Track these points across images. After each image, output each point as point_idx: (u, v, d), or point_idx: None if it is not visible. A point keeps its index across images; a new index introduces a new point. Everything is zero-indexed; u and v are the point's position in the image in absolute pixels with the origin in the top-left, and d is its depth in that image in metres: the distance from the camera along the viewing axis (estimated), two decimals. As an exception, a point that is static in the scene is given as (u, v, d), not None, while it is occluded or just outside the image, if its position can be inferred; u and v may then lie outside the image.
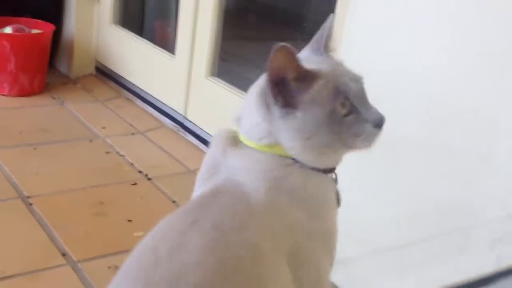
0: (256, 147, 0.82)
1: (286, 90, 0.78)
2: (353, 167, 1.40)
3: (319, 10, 3.78)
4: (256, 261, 0.74)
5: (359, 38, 1.40)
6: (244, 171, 0.80)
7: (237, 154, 0.82)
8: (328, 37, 0.88)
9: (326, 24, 0.89)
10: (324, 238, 0.81)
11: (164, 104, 2.37)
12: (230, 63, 2.81)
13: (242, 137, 0.84)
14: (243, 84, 2.17)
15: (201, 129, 2.17)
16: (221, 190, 0.79)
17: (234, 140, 0.84)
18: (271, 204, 0.77)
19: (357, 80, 0.83)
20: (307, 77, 0.79)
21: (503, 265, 1.07)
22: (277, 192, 0.78)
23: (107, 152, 2.06)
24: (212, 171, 0.83)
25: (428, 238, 1.21)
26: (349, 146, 0.81)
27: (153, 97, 2.44)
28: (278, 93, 0.79)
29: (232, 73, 2.56)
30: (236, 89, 2.09)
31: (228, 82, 2.15)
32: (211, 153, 0.86)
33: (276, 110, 0.79)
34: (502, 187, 1.15)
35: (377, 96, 1.34)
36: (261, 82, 0.83)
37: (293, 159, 0.81)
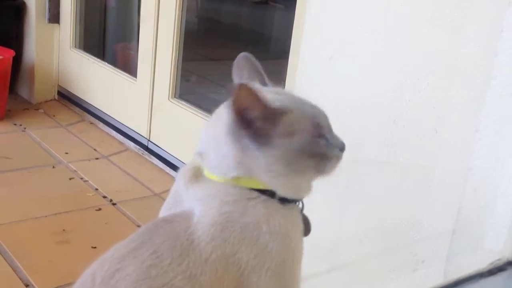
0: (220, 181, 0.81)
1: (255, 126, 0.78)
2: (316, 187, 1.43)
3: (280, 29, 3.83)
4: None
5: (313, 61, 1.43)
6: (201, 202, 0.80)
7: (198, 187, 0.82)
8: (260, 71, 0.89)
9: (248, 61, 0.88)
10: (277, 277, 0.80)
11: (128, 127, 2.36)
12: (193, 83, 2.83)
13: (206, 172, 0.83)
14: (206, 104, 2.19)
15: (165, 151, 2.17)
16: (171, 220, 0.80)
17: (197, 174, 0.84)
18: (216, 238, 0.76)
19: (320, 109, 0.85)
20: (274, 114, 0.78)
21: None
22: (227, 226, 0.77)
23: (71, 178, 2.04)
24: (174, 203, 0.84)
25: (386, 253, 1.24)
26: (321, 172, 0.83)
27: (116, 120, 2.43)
28: (248, 128, 0.77)
29: (195, 93, 2.58)
30: (199, 109, 2.10)
31: (192, 102, 2.16)
32: (175, 185, 0.86)
33: (249, 143, 0.78)
34: (442, 206, 1.19)
35: (338, 120, 1.38)
36: (225, 117, 0.79)
37: (260, 191, 0.80)
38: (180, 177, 0.84)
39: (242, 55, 0.89)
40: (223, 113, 0.80)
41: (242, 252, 0.77)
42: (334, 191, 1.39)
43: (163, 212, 0.86)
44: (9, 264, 1.53)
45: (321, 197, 1.37)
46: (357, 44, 1.30)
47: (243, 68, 0.88)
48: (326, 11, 1.33)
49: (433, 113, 1.15)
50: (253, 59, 0.89)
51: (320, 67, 1.40)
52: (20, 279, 1.48)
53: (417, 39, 1.17)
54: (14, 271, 1.50)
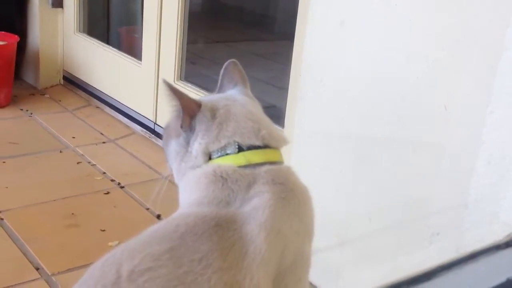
0: (278, 155, 0.87)
1: None
2: (326, 163, 1.42)
3: (285, 11, 3.80)
4: None
5: (321, 41, 1.42)
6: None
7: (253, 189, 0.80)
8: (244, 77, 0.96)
9: (235, 67, 0.95)
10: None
11: (134, 110, 2.36)
12: (198, 65, 2.82)
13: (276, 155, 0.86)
14: (212, 86, 2.17)
15: (172, 134, 2.16)
16: (220, 225, 0.75)
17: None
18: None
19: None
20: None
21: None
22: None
23: (78, 162, 2.04)
24: (221, 202, 0.79)
25: (398, 228, 1.23)
26: None
27: (122, 104, 2.42)
28: None
29: (201, 76, 2.56)
30: (205, 91, 2.09)
31: (197, 84, 2.15)
32: (219, 185, 0.81)
33: None
34: (454, 180, 1.18)
35: (347, 96, 1.37)
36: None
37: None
38: (232, 180, 0.81)
39: (231, 61, 0.95)
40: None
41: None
42: (344, 168, 1.38)
43: (196, 202, 0.81)
44: (19, 248, 1.53)
45: (331, 173, 1.37)
46: (369, 11, 1.28)
47: (231, 73, 0.95)
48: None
49: (443, 89, 1.13)
50: (240, 66, 0.96)
51: (329, 35, 1.39)
52: (31, 262, 1.48)
53: (428, 12, 1.15)
54: (24, 255, 1.51)
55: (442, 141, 1.13)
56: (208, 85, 2.15)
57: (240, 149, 0.84)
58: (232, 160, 0.83)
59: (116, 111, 2.44)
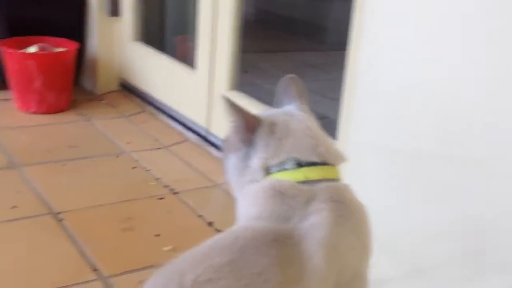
0: (334, 172, 0.89)
1: None
2: (377, 180, 1.41)
3: (338, 20, 3.79)
4: None
5: (376, 52, 1.42)
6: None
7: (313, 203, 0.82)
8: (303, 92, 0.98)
9: (294, 82, 0.97)
10: None
11: (187, 118, 2.40)
12: (250, 74, 2.85)
13: (319, 170, 0.86)
14: (263, 96, 2.20)
15: (224, 142, 2.19)
16: (280, 240, 0.77)
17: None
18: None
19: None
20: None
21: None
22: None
23: (134, 167, 2.10)
24: (278, 218, 0.81)
25: (460, 255, 1.21)
26: None
27: (176, 111, 2.47)
28: None
29: (252, 85, 2.59)
30: (256, 101, 2.11)
31: (249, 93, 2.17)
32: (279, 200, 0.83)
33: None
34: None
35: (396, 111, 1.36)
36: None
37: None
38: (290, 196, 0.82)
39: (289, 76, 0.96)
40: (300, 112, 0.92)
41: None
42: (394, 185, 1.38)
43: (255, 215, 0.83)
44: (77, 249, 1.59)
45: (383, 188, 1.36)
46: (419, 34, 1.28)
47: (289, 88, 0.96)
48: None
49: (494, 105, 1.12)
50: (298, 81, 0.96)
51: (384, 46, 1.38)
52: (88, 263, 1.53)
53: (480, 30, 1.14)
54: (82, 255, 1.56)
55: (493, 157, 1.11)
56: (259, 95, 2.18)
57: (299, 165, 0.85)
58: (290, 176, 0.84)
59: (170, 118, 2.50)
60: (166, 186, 1.97)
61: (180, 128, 2.44)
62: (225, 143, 0.95)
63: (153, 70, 2.62)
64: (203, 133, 2.32)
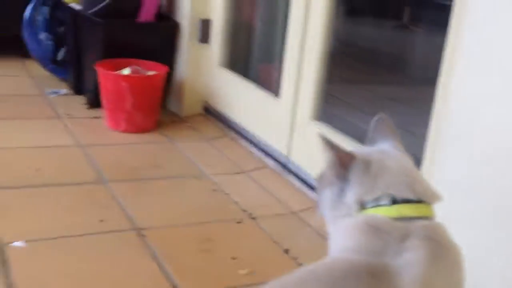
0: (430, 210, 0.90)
1: None
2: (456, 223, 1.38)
3: (423, 55, 3.75)
4: None
5: (468, 90, 1.40)
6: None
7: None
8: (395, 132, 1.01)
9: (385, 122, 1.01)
10: None
11: (268, 145, 2.44)
12: (330, 105, 2.86)
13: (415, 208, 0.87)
14: (344, 127, 2.21)
15: (304, 171, 2.22)
16: (376, 275, 0.78)
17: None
18: None
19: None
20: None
21: None
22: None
23: (213, 190, 2.15)
24: (373, 252, 0.82)
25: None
26: None
27: (257, 137, 2.52)
28: None
29: (332, 115, 2.60)
30: (340, 133, 2.12)
31: (330, 124, 2.18)
32: (373, 237, 0.84)
33: None
34: None
35: (485, 153, 1.32)
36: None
37: None
38: (384, 231, 0.84)
39: (381, 115, 1.01)
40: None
41: None
42: (478, 230, 1.34)
43: (352, 248, 0.84)
44: (158, 265, 1.64)
45: (465, 234, 1.32)
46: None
47: (382, 127, 0.99)
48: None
49: None
50: (390, 121, 1.00)
51: (477, 85, 1.36)
52: (168, 280, 1.58)
53: None
54: (162, 272, 1.61)
55: None
56: (340, 126, 2.18)
57: (394, 201, 0.86)
58: (385, 212, 0.86)
59: (251, 143, 2.55)
60: (244, 211, 2.01)
61: (260, 154, 2.48)
62: (320, 179, 0.98)
63: (237, 95, 2.69)
64: (283, 160, 2.35)
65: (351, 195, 0.89)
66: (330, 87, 2.41)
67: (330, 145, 0.90)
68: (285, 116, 2.34)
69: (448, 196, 1.43)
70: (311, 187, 2.11)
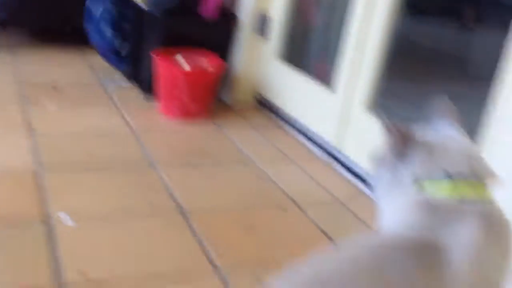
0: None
1: None
2: None
3: (481, 54, 3.63)
4: None
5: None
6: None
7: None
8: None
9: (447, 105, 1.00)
10: None
11: (318, 136, 2.42)
12: (388, 100, 2.80)
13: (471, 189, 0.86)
14: (398, 121, 2.15)
15: (353, 162, 2.18)
16: (426, 248, 0.79)
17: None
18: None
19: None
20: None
21: None
22: None
23: (260, 178, 2.14)
24: (427, 228, 0.82)
25: None
26: None
27: (307, 128, 2.50)
28: None
29: (389, 109, 2.54)
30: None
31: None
32: (421, 217, 0.85)
33: None
34: None
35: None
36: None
37: None
38: (440, 209, 0.84)
39: (441, 98, 1.01)
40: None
41: None
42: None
43: (403, 223, 0.85)
44: (200, 246, 1.65)
45: None
46: None
47: (442, 109, 0.99)
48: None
49: None
50: (450, 103, 1.00)
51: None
52: (208, 260, 1.58)
53: None
54: (203, 253, 1.61)
55: None
56: (392, 118, 2.13)
57: (451, 180, 0.86)
58: (441, 190, 0.85)
59: (301, 134, 2.53)
60: (290, 199, 1.99)
61: (309, 145, 2.45)
62: (376, 159, 0.98)
63: (290, 87, 2.68)
64: (333, 152, 2.31)
65: (409, 173, 0.89)
66: (388, 84, 2.36)
67: (391, 124, 0.91)
68: (337, 108, 2.31)
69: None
70: (359, 178, 2.07)
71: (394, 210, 0.89)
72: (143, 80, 2.92)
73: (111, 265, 1.51)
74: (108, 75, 3.13)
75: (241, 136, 2.52)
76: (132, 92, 2.92)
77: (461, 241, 0.79)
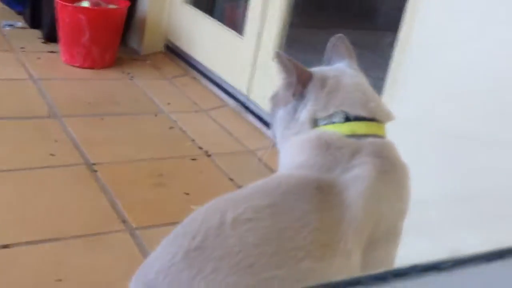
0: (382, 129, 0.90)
1: None
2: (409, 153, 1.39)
3: (389, 2, 3.70)
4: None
5: (424, 33, 1.38)
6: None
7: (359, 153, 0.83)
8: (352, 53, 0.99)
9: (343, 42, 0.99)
10: None
11: (229, 84, 2.40)
12: (296, 49, 2.81)
13: (372, 125, 0.87)
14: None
15: (262, 110, 2.19)
16: (323, 189, 0.78)
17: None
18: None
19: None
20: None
21: None
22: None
23: (171, 127, 2.11)
24: (323, 167, 0.82)
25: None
26: None
27: (218, 76, 2.47)
28: None
29: (297, 59, 2.56)
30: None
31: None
32: (325, 153, 0.84)
33: None
34: None
35: (441, 91, 1.32)
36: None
37: None
38: (335, 147, 0.84)
39: (338, 36, 0.99)
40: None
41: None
42: (428, 159, 1.34)
43: (302, 164, 0.84)
44: (108, 200, 1.61)
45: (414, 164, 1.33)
46: (472, 12, 1.23)
47: (339, 48, 0.98)
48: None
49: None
50: (347, 41, 0.98)
51: (438, 28, 1.35)
52: (118, 214, 1.55)
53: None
54: (112, 207, 1.58)
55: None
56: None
57: (347, 118, 0.86)
58: (337, 129, 0.85)
59: (212, 83, 2.50)
60: (200, 148, 1.98)
61: (220, 93, 2.43)
62: (273, 98, 0.97)
63: (201, 34, 2.62)
64: (243, 100, 2.31)
65: (305, 112, 0.88)
66: (296, 31, 2.36)
67: (290, 62, 0.89)
68: (247, 56, 2.29)
69: (401, 134, 1.43)
70: (268, 126, 2.09)
71: (291, 149, 0.89)
72: (44, 24, 2.75)
73: (11, 223, 1.45)
74: (5, 18, 2.92)
75: (150, 85, 2.46)
76: (32, 37, 2.75)
77: (355, 179, 0.79)
